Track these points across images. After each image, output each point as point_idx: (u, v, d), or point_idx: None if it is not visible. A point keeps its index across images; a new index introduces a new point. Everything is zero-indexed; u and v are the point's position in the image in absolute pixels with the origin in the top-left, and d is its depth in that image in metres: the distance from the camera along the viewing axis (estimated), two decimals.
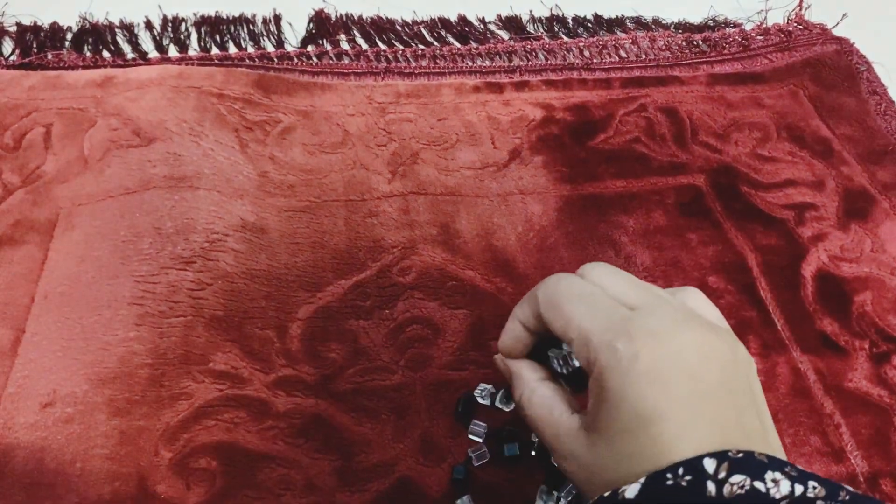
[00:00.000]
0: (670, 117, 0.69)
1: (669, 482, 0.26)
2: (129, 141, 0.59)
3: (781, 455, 0.28)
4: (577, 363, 0.33)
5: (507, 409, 0.48)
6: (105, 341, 0.48)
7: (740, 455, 0.26)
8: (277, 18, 0.74)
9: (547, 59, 0.73)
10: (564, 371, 0.34)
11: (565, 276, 0.34)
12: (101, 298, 0.50)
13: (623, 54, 0.75)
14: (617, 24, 0.79)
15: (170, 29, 0.73)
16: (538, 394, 0.34)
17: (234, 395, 0.47)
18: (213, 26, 0.73)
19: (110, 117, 0.61)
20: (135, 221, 0.54)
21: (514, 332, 0.36)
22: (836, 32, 0.79)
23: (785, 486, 0.25)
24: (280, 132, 0.63)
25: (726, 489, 0.25)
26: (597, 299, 0.31)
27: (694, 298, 0.34)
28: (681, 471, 0.26)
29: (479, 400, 0.48)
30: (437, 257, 0.56)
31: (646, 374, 0.28)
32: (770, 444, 0.29)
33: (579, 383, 0.33)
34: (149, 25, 0.73)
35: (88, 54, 0.69)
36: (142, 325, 0.49)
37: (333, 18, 0.75)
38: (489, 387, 0.48)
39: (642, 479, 0.26)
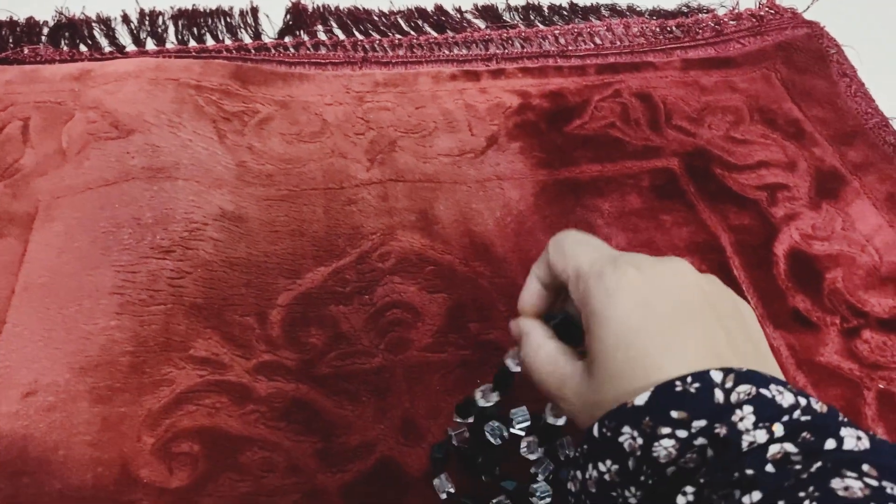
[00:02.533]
0: (645, 102, 0.69)
1: (678, 388, 0.27)
2: (108, 133, 0.60)
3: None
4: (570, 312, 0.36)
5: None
6: (86, 330, 0.49)
7: (744, 370, 0.27)
8: (254, 10, 0.75)
9: (523, 47, 0.74)
10: (561, 330, 0.36)
11: (575, 230, 0.36)
12: (81, 288, 0.51)
13: (598, 41, 0.75)
14: (592, 11, 0.80)
15: (147, 22, 0.73)
16: (545, 349, 0.35)
17: (215, 381, 0.47)
18: (190, 19, 0.73)
19: (88, 110, 0.61)
20: (114, 212, 0.55)
21: (530, 287, 0.37)
22: (807, 16, 0.80)
23: (789, 397, 0.27)
24: (258, 122, 0.63)
25: (734, 397, 0.26)
26: (595, 244, 0.34)
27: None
28: (689, 379, 0.27)
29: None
30: (416, 243, 0.57)
31: (630, 294, 0.30)
32: (767, 367, 0.29)
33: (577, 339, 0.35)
34: (126, 19, 0.73)
35: (65, 48, 0.69)
36: (122, 314, 0.49)
37: (310, 9, 0.75)
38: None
39: (651, 389, 0.27)
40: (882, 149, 0.67)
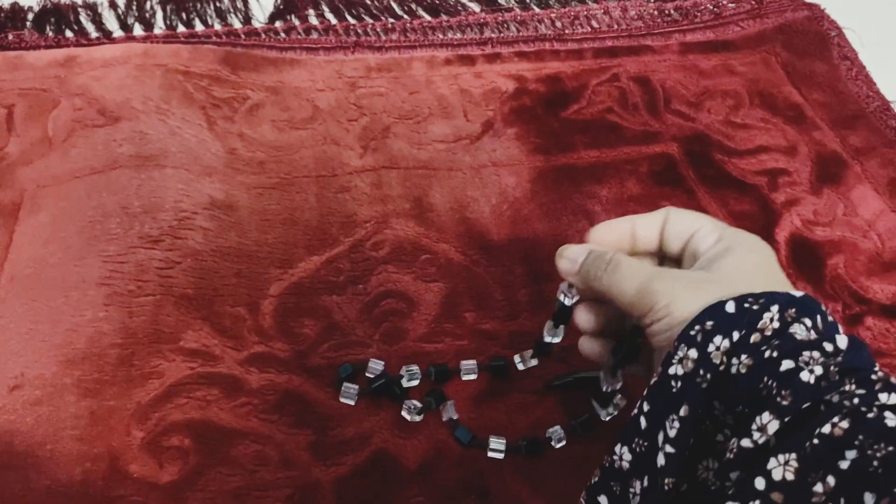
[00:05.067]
0: (643, 86, 0.68)
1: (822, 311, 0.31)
2: (94, 120, 0.58)
3: None
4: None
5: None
6: (73, 322, 0.47)
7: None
8: None
9: (519, 31, 0.73)
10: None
11: None
12: (68, 280, 0.49)
13: (595, 24, 0.74)
14: None
15: (134, 7, 0.71)
16: (634, 264, 0.36)
17: (206, 373, 0.46)
18: (178, 4, 0.72)
19: (74, 97, 0.60)
20: (101, 201, 0.53)
21: (621, 228, 0.39)
22: None
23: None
24: (248, 109, 0.62)
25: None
26: None
27: None
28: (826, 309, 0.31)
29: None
30: (411, 231, 0.55)
31: (763, 247, 0.36)
32: None
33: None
34: (112, 4, 0.71)
35: (51, 34, 0.68)
36: (110, 305, 0.48)
37: None
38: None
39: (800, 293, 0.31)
40: (884, 133, 0.66)
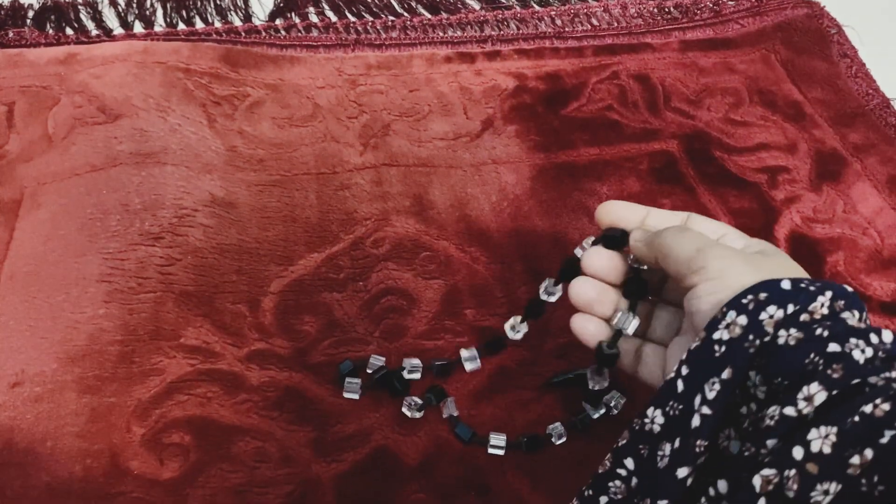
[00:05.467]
0: (643, 84, 0.68)
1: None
2: (95, 118, 0.58)
3: None
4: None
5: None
6: (73, 319, 0.47)
7: None
8: None
9: (519, 29, 0.73)
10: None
11: None
12: (68, 277, 0.49)
13: (595, 22, 0.74)
14: None
15: (134, 5, 0.71)
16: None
17: (206, 370, 0.46)
18: (179, 1, 0.72)
19: (74, 94, 0.60)
20: (101, 199, 0.53)
21: (664, 215, 0.42)
22: None
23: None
24: (248, 106, 0.62)
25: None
26: None
27: None
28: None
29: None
30: (411, 228, 0.55)
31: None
32: None
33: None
34: (113, 2, 0.71)
35: (51, 31, 0.68)
36: (111, 302, 0.48)
37: None
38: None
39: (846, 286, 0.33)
40: (883, 130, 0.66)
